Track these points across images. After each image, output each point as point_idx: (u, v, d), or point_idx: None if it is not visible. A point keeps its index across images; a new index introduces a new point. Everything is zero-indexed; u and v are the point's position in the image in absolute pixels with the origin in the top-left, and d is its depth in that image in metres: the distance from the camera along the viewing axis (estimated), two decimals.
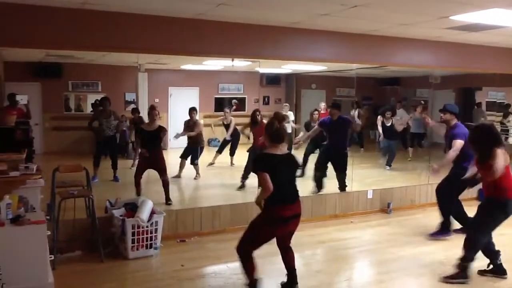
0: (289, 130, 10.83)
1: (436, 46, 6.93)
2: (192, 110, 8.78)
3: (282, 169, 3.91)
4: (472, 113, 12.57)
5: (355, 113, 11.51)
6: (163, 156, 6.89)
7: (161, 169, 6.78)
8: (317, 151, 8.18)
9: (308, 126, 8.85)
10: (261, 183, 3.84)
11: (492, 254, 4.61)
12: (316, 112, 9.12)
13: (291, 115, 11.26)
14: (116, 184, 8.02)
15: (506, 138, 12.42)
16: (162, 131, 6.85)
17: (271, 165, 3.86)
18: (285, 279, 4.26)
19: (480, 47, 7.21)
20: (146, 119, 7.41)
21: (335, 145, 7.23)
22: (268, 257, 5.23)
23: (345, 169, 7.22)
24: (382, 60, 6.89)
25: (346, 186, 7.20)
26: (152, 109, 7.04)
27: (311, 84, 14.60)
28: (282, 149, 3.97)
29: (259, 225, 4.03)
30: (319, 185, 7.30)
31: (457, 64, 7.41)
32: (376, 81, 14.30)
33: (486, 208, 4.50)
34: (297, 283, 4.20)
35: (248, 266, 4.05)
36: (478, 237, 4.48)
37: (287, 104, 12.24)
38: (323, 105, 10.24)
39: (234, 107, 11.47)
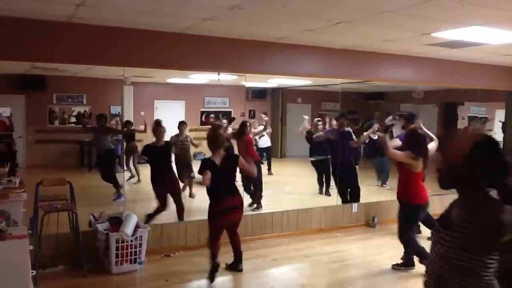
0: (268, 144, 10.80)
1: (419, 62, 7.06)
2: (183, 124, 8.41)
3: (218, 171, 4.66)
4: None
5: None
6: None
7: (177, 193, 6.48)
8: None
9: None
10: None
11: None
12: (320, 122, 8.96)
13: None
14: (101, 198, 7.93)
15: None
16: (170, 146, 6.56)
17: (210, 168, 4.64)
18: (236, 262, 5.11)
19: (461, 63, 7.36)
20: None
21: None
22: (258, 270, 5.25)
23: None
24: (366, 75, 6.98)
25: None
26: (158, 125, 6.57)
27: (297, 98, 14.71)
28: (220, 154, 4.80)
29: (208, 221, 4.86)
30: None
31: (439, 80, 7.54)
32: (361, 95, 14.46)
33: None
34: (241, 263, 5.10)
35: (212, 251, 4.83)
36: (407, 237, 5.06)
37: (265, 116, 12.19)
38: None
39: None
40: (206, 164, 4.70)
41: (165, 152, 6.39)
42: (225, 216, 4.79)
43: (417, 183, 4.96)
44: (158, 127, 6.49)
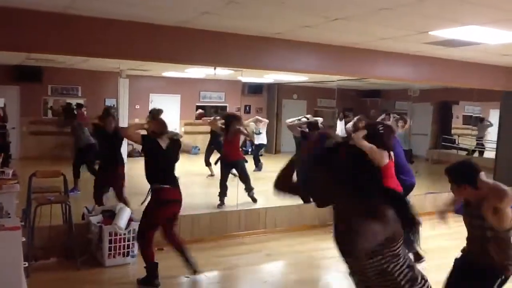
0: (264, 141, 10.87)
1: (416, 60, 7.05)
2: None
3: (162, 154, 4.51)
4: (477, 127, 13.02)
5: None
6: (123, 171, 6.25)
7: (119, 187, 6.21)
8: None
9: None
10: None
11: None
12: None
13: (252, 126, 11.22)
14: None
15: (482, 153, 12.69)
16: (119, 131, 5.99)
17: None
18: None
19: (458, 62, 7.36)
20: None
21: None
22: (251, 265, 5.27)
23: None
24: (363, 72, 6.98)
25: None
26: (107, 114, 6.18)
27: (293, 94, 14.72)
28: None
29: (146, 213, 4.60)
30: None
31: (435, 79, 7.55)
32: (357, 93, 14.50)
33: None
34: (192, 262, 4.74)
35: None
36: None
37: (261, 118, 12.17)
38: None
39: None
40: (148, 140, 4.56)
41: (114, 139, 6.04)
42: (168, 207, 4.57)
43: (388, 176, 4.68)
44: (106, 115, 6.20)
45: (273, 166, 10.72)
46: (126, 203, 5.91)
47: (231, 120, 7.61)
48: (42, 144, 11.50)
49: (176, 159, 4.70)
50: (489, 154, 12.00)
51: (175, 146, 4.70)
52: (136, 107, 12.36)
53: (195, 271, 4.73)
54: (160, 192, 4.48)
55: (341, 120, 11.72)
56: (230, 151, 7.60)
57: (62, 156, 10.82)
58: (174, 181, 4.57)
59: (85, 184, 7.96)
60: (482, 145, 13.02)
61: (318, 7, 4.22)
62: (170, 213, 4.62)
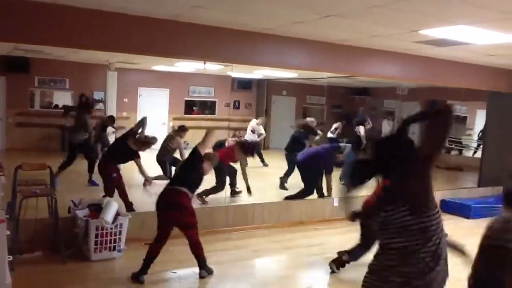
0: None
1: (406, 59, 7.09)
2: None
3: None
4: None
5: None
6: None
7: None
8: None
9: None
10: None
11: None
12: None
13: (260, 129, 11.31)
14: (82, 184, 7.86)
15: (460, 151, 12.86)
16: None
17: None
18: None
19: (446, 61, 7.42)
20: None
21: None
22: (238, 261, 5.26)
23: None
24: (353, 70, 7.00)
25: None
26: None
27: (282, 91, 14.71)
28: None
29: None
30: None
31: (424, 77, 7.60)
32: (346, 90, 14.53)
33: None
34: (203, 269, 4.69)
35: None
36: None
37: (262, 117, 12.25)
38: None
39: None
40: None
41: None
42: (162, 211, 4.60)
43: None
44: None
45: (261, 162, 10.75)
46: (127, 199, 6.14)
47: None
48: (28, 136, 11.36)
49: (188, 167, 4.75)
50: (470, 153, 12.17)
51: (195, 157, 4.72)
52: (124, 100, 12.25)
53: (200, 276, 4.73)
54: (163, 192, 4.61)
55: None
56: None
57: (49, 148, 10.71)
58: (180, 184, 4.58)
59: (69, 176, 7.89)
60: (461, 143, 13.20)
61: (310, 3, 4.22)
62: (171, 218, 4.62)
